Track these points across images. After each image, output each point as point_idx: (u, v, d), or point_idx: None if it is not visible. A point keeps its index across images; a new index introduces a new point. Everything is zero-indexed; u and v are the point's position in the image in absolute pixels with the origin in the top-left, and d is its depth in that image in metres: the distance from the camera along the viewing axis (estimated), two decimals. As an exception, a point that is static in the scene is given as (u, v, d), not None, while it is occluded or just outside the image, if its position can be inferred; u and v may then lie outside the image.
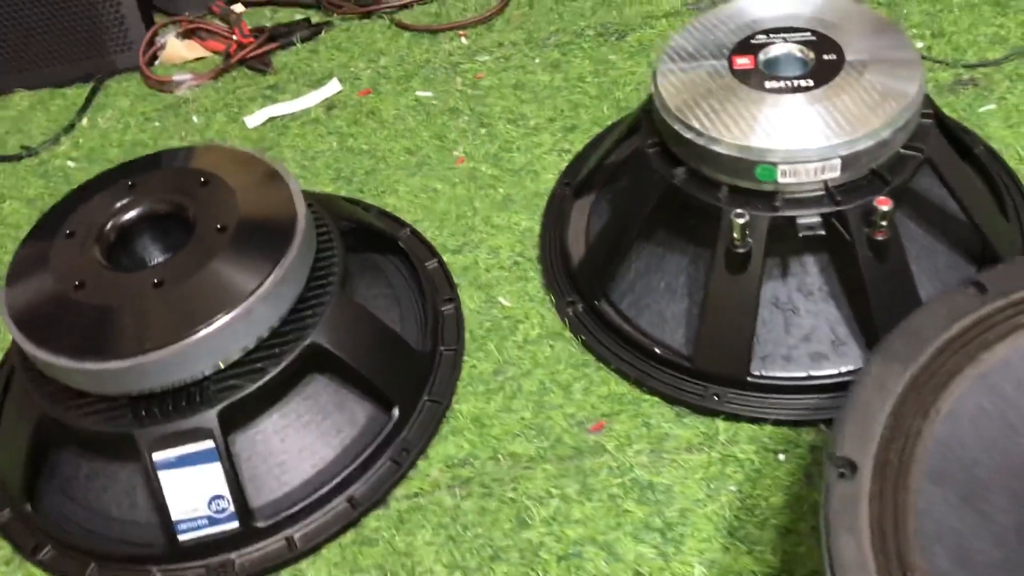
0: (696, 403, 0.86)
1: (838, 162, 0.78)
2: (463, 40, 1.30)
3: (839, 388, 0.83)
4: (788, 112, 0.80)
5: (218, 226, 0.82)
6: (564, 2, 1.32)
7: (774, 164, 0.78)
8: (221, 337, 0.77)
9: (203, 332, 0.76)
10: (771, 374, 0.85)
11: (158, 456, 0.77)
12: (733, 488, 0.80)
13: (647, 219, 0.89)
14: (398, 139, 1.18)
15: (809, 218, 0.80)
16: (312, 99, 1.25)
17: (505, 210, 1.07)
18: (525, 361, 0.92)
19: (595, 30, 1.27)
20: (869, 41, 0.85)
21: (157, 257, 0.87)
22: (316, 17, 1.40)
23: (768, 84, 0.82)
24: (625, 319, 0.92)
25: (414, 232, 1.05)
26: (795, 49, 0.85)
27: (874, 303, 0.82)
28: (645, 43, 1.23)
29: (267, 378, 0.80)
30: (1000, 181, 0.94)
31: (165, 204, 0.86)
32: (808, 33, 0.86)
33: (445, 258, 1.02)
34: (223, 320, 0.77)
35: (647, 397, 0.88)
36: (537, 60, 1.25)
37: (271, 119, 1.24)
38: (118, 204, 0.87)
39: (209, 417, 0.77)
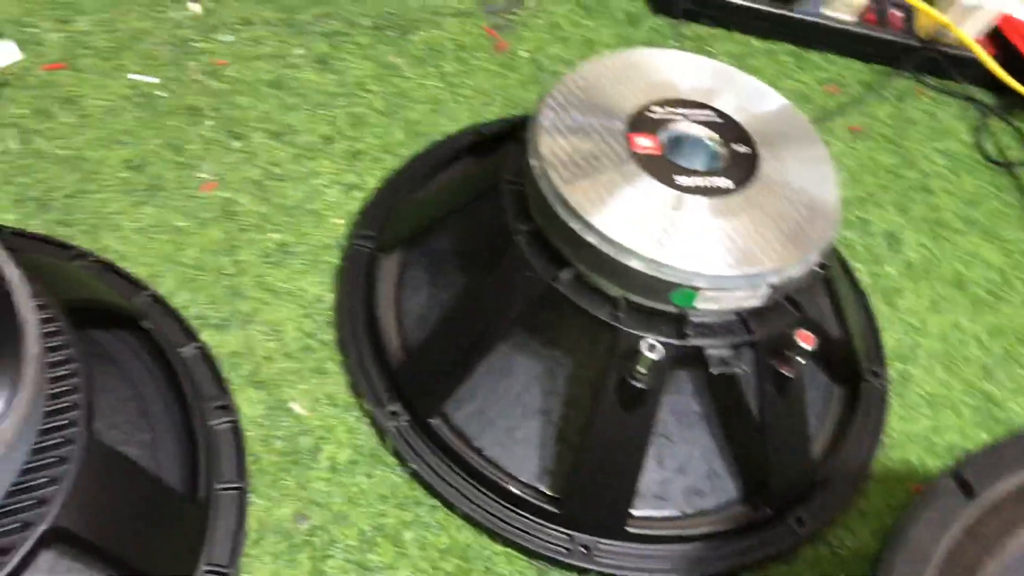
0: (563, 559, 0.70)
1: (766, 292, 0.65)
2: (194, 7, 0.98)
3: (721, 537, 0.72)
4: (710, 223, 0.65)
5: None
6: (323, -28, 1.05)
7: (697, 289, 0.63)
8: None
9: None
10: (644, 515, 0.72)
11: None
12: (618, 675, 0.66)
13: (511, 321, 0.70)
14: (113, 145, 0.85)
15: (720, 349, 0.67)
16: (-29, 67, 0.87)
17: (282, 266, 0.81)
18: (336, 500, 0.69)
19: (371, 20, 1.02)
20: (772, 125, 0.73)
21: None
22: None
23: (680, 180, 0.67)
24: (464, 439, 0.73)
25: (156, 299, 0.75)
26: (702, 133, 0.70)
27: (769, 440, 0.71)
28: (435, 47, 1.01)
29: (-24, 601, 0.50)
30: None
31: None
32: (710, 111, 0.72)
33: (205, 337, 0.74)
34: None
35: (499, 549, 0.70)
36: (300, 51, 0.97)
37: (-97, 94, 0.84)
38: None
39: None
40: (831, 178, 0.71)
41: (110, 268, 0.76)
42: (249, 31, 0.97)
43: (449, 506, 0.70)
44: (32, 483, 0.53)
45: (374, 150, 0.91)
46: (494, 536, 0.70)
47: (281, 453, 0.70)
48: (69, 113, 0.86)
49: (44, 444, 0.54)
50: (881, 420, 0.82)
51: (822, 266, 0.70)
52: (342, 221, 0.85)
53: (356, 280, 0.80)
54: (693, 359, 0.67)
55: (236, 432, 0.70)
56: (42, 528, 0.52)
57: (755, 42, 1.13)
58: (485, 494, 0.71)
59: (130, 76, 0.90)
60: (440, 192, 0.85)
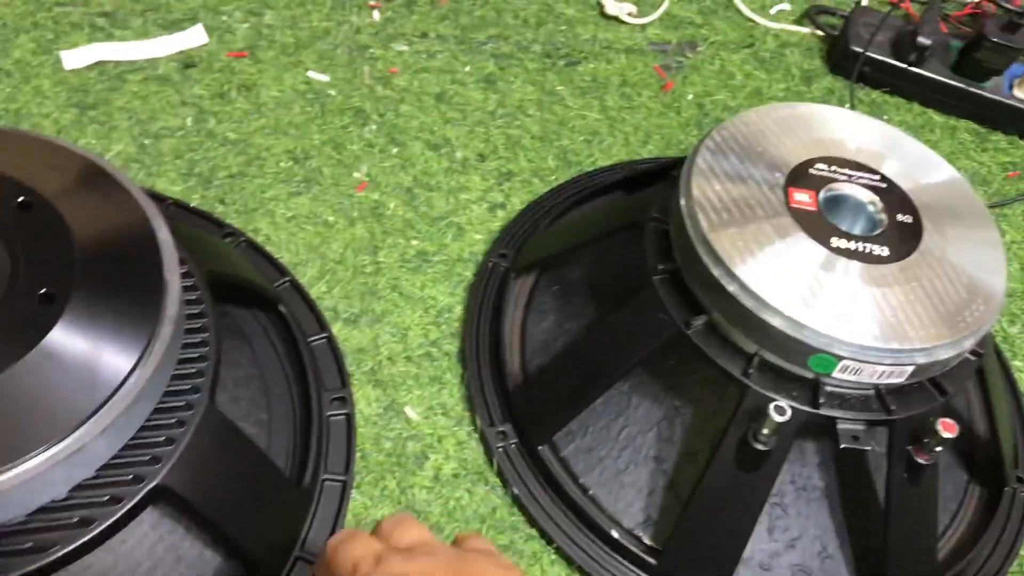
0: (655, 615, 0.67)
1: (910, 369, 0.61)
2: (375, 15, 1.01)
3: (826, 623, 0.68)
4: (861, 290, 0.61)
5: (42, 292, 0.52)
6: (503, -3, 1.07)
7: (839, 357, 0.60)
8: (25, 486, 0.48)
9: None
10: (745, 584, 0.68)
11: None
12: None
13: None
14: (279, 134, 0.89)
15: (853, 423, 0.63)
16: (164, 46, 0.92)
17: (418, 273, 0.82)
18: (434, 511, 0.69)
19: (542, 47, 1.03)
20: (941, 199, 0.69)
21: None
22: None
23: (834, 241, 0.64)
24: (570, 473, 0.71)
25: (295, 285, 0.78)
26: (864, 197, 0.67)
27: (892, 529, 0.66)
28: (600, 80, 1.01)
29: (76, 544, 0.51)
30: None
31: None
32: (877, 177, 0.69)
33: (335, 330, 0.76)
34: (35, 461, 0.48)
35: (590, 590, 0.68)
36: (468, 68, 0.99)
37: (100, 63, 0.90)
38: None
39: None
40: (999, 264, 0.66)
41: (257, 250, 0.79)
42: (423, 44, 1.00)
43: (545, 538, 0.69)
44: (149, 440, 0.54)
45: (524, 173, 0.91)
46: (586, 576, 0.68)
47: (388, 454, 0.71)
48: (245, 100, 0.90)
49: (166, 405, 0.56)
50: (1020, 531, 0.76)
51: (976, 354, 0.66)
52: (481, 237, 0.85)
53: (486, 296, 0.80)
54: (822, 429, 0.64)
55: (350, 426, 0.71)
56: (152, 484, 0.54)
57: (935, 116, 1.08)
58: (584, 533, 0.69)
59: (308, 73, 0.94)
60: (583, 221, 0.84)
